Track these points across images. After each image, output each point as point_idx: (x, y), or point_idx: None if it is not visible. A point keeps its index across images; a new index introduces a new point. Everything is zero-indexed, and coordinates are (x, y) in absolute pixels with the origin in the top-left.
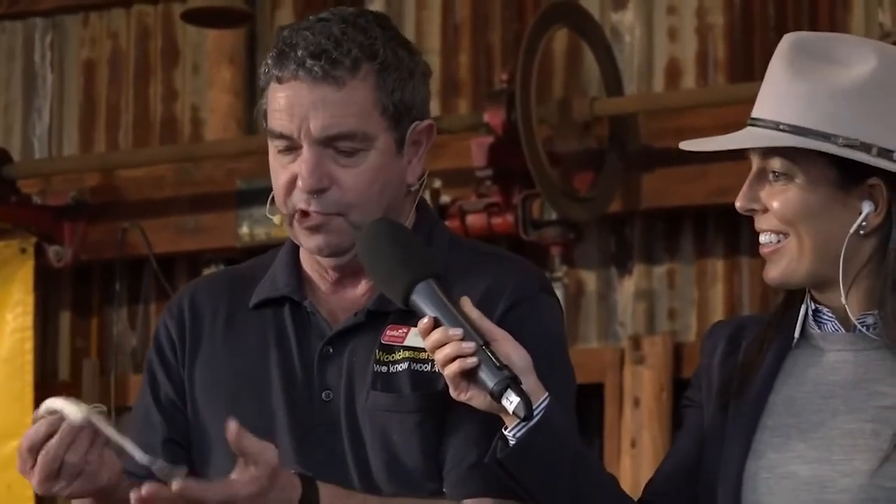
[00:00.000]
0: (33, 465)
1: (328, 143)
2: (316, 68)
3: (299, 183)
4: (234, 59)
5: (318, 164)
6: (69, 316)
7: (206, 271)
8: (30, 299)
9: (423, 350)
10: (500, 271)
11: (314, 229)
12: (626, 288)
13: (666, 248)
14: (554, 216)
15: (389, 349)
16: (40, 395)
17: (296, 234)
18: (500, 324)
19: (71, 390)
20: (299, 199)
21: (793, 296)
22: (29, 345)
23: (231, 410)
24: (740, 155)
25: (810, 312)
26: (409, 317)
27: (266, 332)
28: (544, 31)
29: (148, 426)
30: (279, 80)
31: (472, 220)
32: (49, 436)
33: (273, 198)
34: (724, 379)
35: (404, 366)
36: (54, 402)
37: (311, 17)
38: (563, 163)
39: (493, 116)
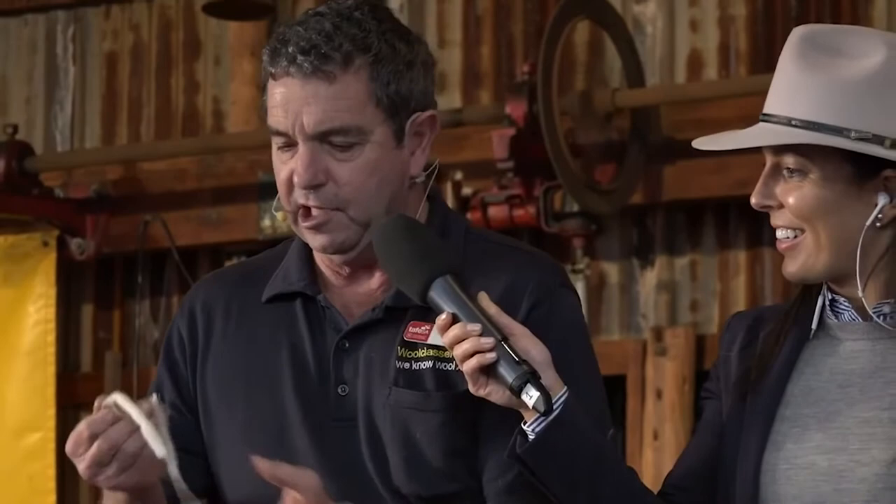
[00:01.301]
0: (86, 450)
1: (322, 138)
2: (306, 64)
3: (295, 178)
4: (255, 51)
5: (314, 160)
6: (91, 308)
7: (229, 263)
8: (52, 292)
9: (447, 349)
10: (519, 266)
11: (317, 228)
12: (648, 280)
13: (688, 239)
14: (575, 208)
15: (412, 346)
16: (62, 388)
17: (300, 231)
18: (524, 321)
19: (93, 383)
20: (299, 195)
21: (810, 286)
22: (51, 337)
23: (243, 406)
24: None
25: (827, 303)
26: (429, 312)
27: (278, 326)
28: (566, 22)
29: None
30: (273, 77)
31: (493, 211)
32: (113, 423)
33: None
34: (742, 370)
35: (428, 364)
36: (121, 401)
37: (308, 11)
38: (585, 154)
39: (515, 108)
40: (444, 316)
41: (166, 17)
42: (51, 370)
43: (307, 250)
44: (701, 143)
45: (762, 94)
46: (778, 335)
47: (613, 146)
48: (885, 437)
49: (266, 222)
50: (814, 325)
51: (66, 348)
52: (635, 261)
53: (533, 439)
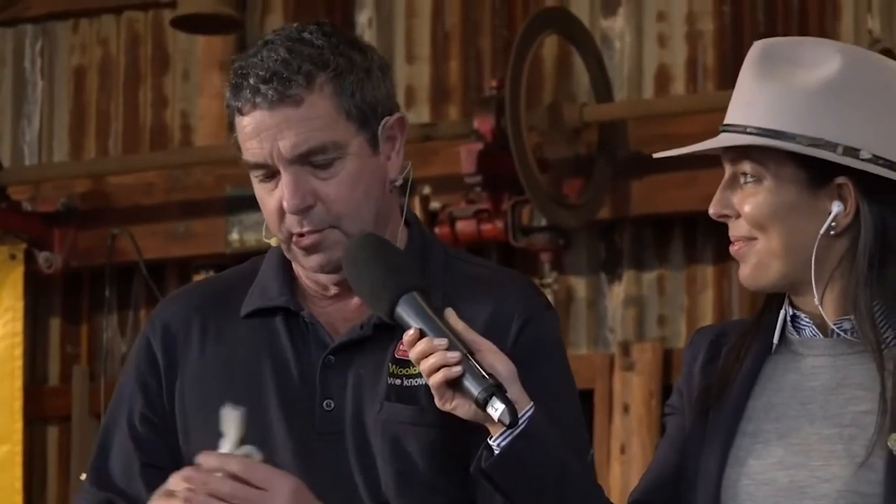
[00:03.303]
0: None
1: (302, 160)
2: (270, 92)
3: (284, 205)
4: (223, 65)
5: (298, 184)
6: (59, 322)
7: (196, 277)
8: (20, 305)
9: None
10: (506, 289)
11: (311, 249)
12: (616, 294)
13: (655, 254)
14: (543, 222)
15: (404, 363)
16: (29, 401)
17: (295, 256)
18: (514, 342)
19: (61, 396)
20: (292, 223)
21: (772, 301)
22: (19, 351)
23: (215, 430)
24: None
25: (789, 318)
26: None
27: (258, 342)
28: (534, 37)
29: (121, 453)
30: (240, 112)
31: (461, 226)
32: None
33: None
34: (704, 385)
35: (422, 380)
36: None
37: (258, 42)
38: (553, 169)
39: (483, 123)
40: (411, 332)
41: (134, 31)
42: (18, 383)
43: (286, 266)
44: (660, 153)
45: None
46: (739, 350)
47: (581, 161)
48: (845, 454)
49: (234, 236)
50: (775, 340)
51: (34, 362)
52: (603, 275)
53: (498, 453)
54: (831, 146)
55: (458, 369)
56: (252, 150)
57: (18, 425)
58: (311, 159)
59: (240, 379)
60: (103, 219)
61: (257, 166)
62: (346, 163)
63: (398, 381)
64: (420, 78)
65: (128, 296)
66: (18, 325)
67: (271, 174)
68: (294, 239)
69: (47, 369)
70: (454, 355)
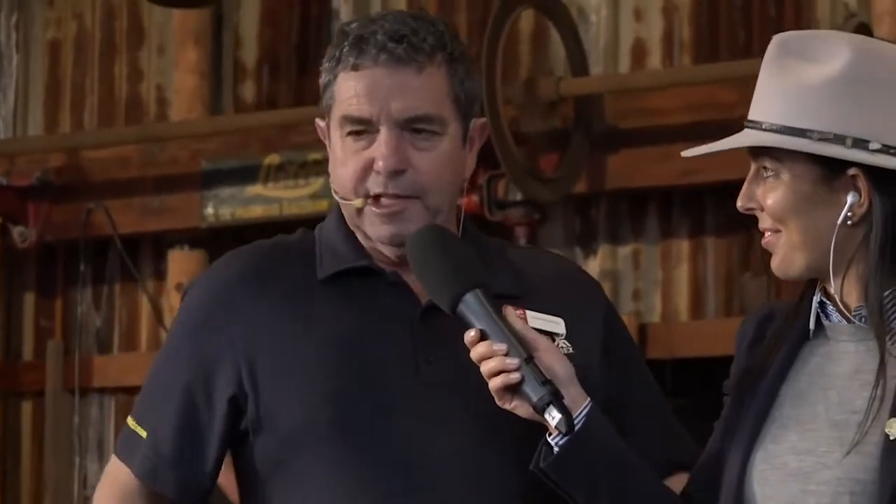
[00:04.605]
0: None
1: (407, 125)
2: (399, 51)
3: (378, 164)
4: (199, 39)
5: (399, 146)
6: (33, 296)
7: (171, 252)
8: None
9: (545, 332)
10: (577, 270)
11: (390, 217)
12: (591, 268)
13: (631, 228)
14: (519, 196)
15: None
16: (4, 376)
17: (365, 220)
18: (605, 313)
19: (35, 371)
20: (375, 184)
21: (810, 286)
22: None
23: (314, 383)
24: (708, 137)
25: (817, 305)
26: (517, 298)
27: (340, 303)
28: (510, 11)
29: (199, 431)
30: (356, 68)
31: None
32: None
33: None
34: (744, 369)
35: None
36: None
37: (365, 18)
38: (529, 143)
39: None
40: (472, 332)
41: (110, 4)
42: None
43: (350, 232)
44: (688, 152)
45: (705, 83)
46: (779, 335)
47: (557, 135)
48: (848, 441)
49: (209, 210)
50: (811, 326)
51: (8, 336)
52: (578, 249)
53: (556, 454)
54: (840, 139)
55: (516, 376)
56: (358, 105)
57: None
58: (417, 126)
59: (327, 340)
60: (78, 193)
61: (359, 121)
62: (443, 141)
63: None
64: None
65: (102, 270)
66: None
67: (366, 132)
68: (370, 201)
69: (21, 344)
70: (513, 362)
